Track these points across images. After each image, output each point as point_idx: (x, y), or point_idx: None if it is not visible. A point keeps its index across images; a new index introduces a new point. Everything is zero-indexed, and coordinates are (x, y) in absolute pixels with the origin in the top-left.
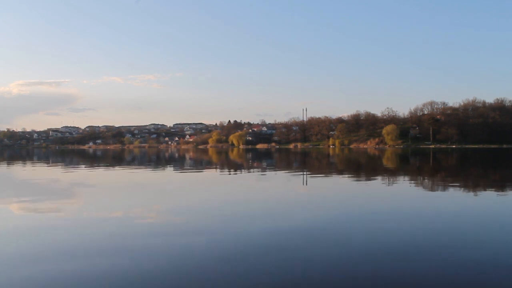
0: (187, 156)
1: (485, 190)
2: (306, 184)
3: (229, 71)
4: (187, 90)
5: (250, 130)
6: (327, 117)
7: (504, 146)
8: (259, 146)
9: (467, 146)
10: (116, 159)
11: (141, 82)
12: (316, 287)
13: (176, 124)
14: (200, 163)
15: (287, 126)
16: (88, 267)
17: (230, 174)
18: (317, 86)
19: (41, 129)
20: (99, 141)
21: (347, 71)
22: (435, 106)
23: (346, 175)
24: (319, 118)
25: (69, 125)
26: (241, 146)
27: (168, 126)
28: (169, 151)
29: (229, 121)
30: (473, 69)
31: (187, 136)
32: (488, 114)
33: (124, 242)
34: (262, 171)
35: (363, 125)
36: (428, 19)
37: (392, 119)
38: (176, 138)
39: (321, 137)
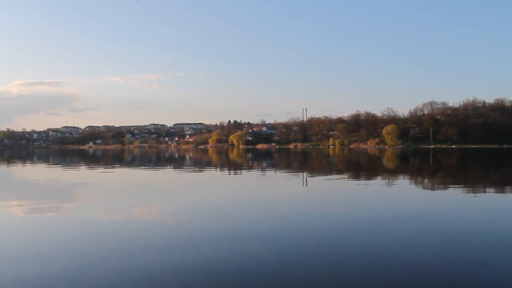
0: (187, 156)
1: (484, 191)
2: (306, 185)
3: (229, 71)
4: (187, 90)
5: (250, 130)
6: (327, 117)
7: (504, 146)
8: (259, 146)
9: (467, 146)
10: (116, 159)
11: (141, 82)
12: None
13: (176, 124)
14: (200, 163)
15: (287, 126)
16: (87, 268)
17: (230, 174)
18: (317, 86)
19: (41, 129)
20: (99, 141)
21: (347, 71)
22: (435, 106)
23: (346, 176)
24: (319, 118)
25: (69, 125)
26: (241, 146)
27: (168, 126)
28: (169, 151)
29: (229, 121)
30: (473, 69)
31: (187, 136)
32: (488, 114)
33: (125, 242)
34: (262, 171)
35: (363, 125)
36: (428, 19)
37: (392, 119)
38: (176, 138)
39: (321, 137)
